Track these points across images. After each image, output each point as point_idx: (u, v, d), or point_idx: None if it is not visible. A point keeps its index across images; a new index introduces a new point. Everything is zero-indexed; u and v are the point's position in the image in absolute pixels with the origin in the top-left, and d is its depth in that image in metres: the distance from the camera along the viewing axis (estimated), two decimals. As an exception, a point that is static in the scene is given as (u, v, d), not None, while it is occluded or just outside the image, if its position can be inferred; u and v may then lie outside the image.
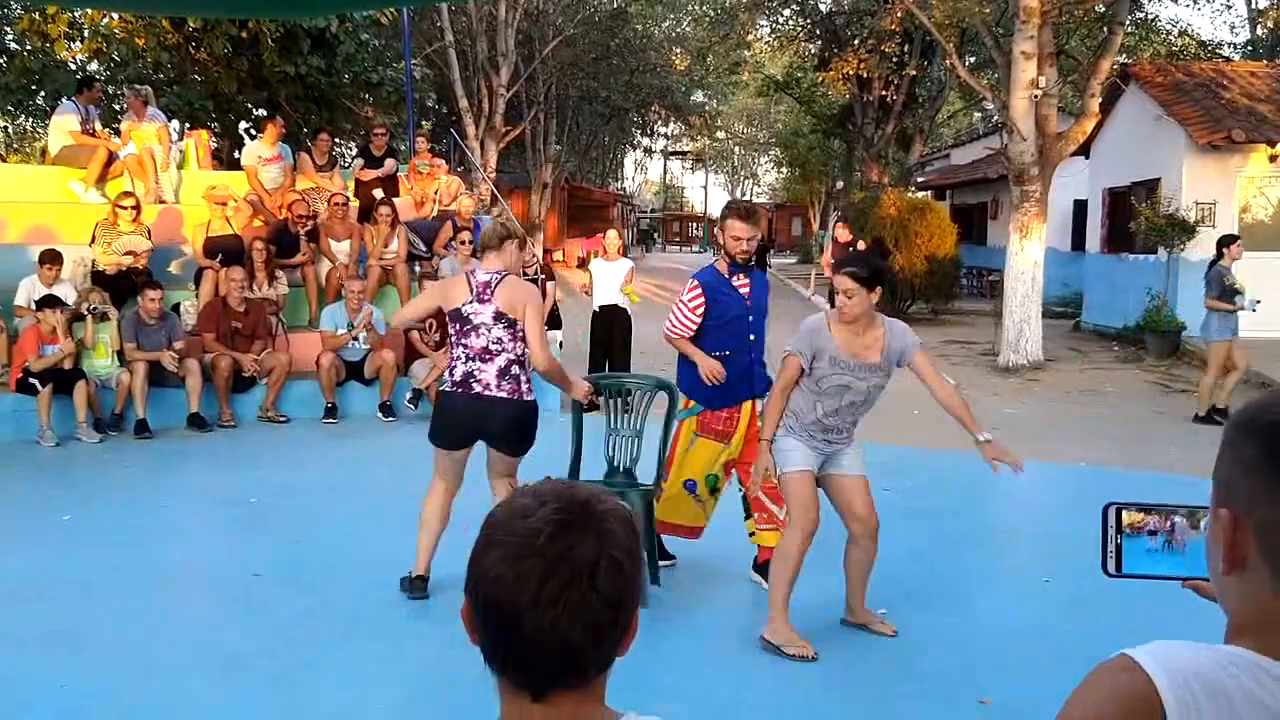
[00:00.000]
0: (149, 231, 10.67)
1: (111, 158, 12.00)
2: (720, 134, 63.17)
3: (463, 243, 11.47)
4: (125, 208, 10.33)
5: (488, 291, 5.21)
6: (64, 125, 12.19)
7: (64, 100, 13.12)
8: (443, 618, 5.04)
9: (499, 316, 5.19)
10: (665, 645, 4.79)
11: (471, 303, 5.20)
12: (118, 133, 12.72)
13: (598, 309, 10.98)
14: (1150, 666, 1.10)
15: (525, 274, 12.10)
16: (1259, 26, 28.79)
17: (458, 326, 5.23)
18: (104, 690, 4.32)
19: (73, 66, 20.32)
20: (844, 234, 15.67)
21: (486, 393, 5.14)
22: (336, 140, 22.75)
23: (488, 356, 5.18)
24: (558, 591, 1.19)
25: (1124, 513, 1.41)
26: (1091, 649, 4.40)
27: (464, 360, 5.21)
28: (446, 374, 5.32)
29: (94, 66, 20.81)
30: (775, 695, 4.36)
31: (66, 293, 9.68)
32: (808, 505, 4.80)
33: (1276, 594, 1.13)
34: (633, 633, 1.29)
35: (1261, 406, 1.18)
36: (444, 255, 11.79)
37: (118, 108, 19.21)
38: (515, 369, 5.23)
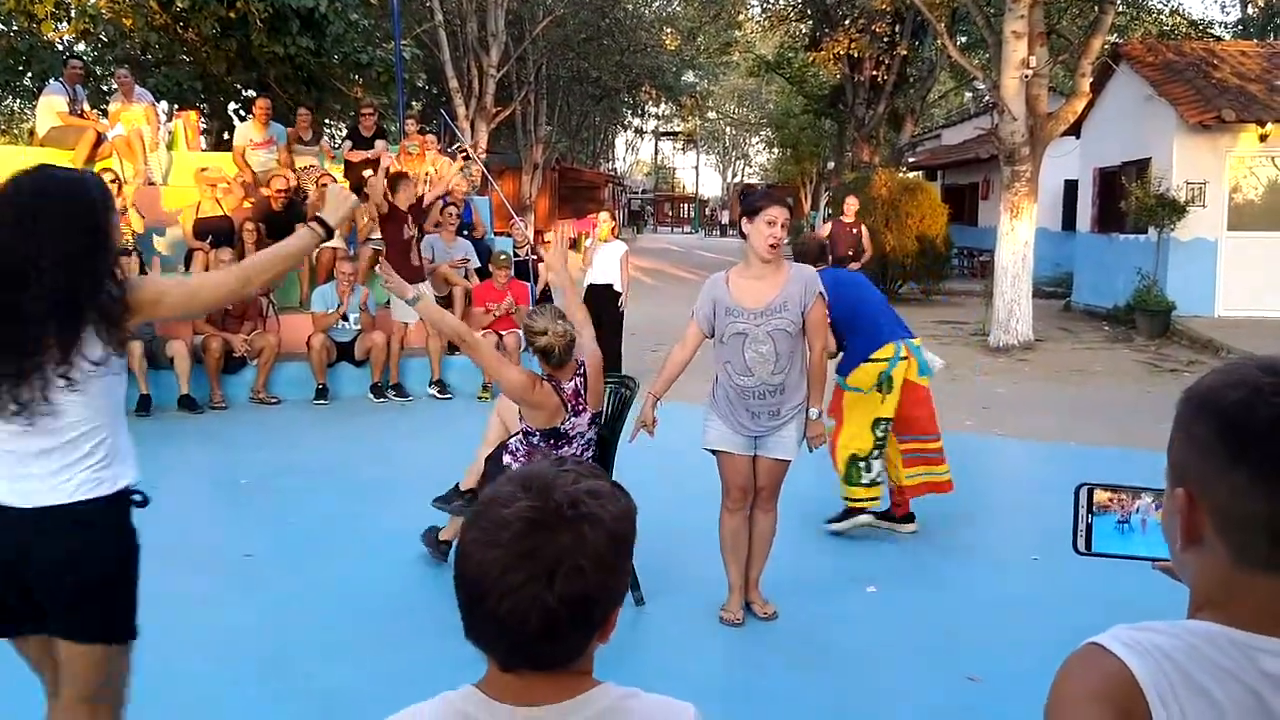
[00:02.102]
0: (136, 208, 10.65)
1: (100, 139, 11.96)
2: (711, 114, 63.03)
3: (451, 218, 11.48)
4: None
5: (581, 401, 4.74)
6: (52, 106, 12.14)
7: (51, 81, 13.06)
8: (434, 597, 5.06)
9: (593, 419, 4.87)
10: (649, 623, 4.82)
11: (569, 418, 4.70)
12: (106, 114, 12.67)
13: (586, 288, 10.96)
14: (1121, 651, 1.12)
15: (516, 255, 12.12)
16: (1249, 5, 28.80)
17: (551, 442, 4.69)
18: (96, 670, 4.33)
19: (60, 47, 20.19)
20: (851, 212, 14.50)
21: None
22: (327, 121, 22.66)
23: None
24: (515, 585, 1.24)
25: (1095, 492, 1.43)
26: (1079, 625, 4.43)
27: None
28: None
29: (81, 47, 20.69)
30: (761, 672, 4.39)
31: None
32: (727, 485, 4.82)
33: (1234, 570, 1.15)
34: (609, 628, 1.32)
35: (1212, 388, 1.19)
36: (432, 233, 11.75)
37: (105, 89, 19.13)
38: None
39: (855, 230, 14.22)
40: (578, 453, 4.77)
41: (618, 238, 11.41)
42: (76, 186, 2.66)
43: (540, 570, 1.23)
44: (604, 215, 11.63)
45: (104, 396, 2.66)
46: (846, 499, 6.13)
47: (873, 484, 6.04)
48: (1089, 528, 1.43)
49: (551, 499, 1.28)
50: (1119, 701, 1.09)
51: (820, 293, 4.68)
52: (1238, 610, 1.14)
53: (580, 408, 4.72)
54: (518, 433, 4.90)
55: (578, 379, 4.71)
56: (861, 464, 5.98)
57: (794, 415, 4.70)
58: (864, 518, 6.12)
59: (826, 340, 4.78)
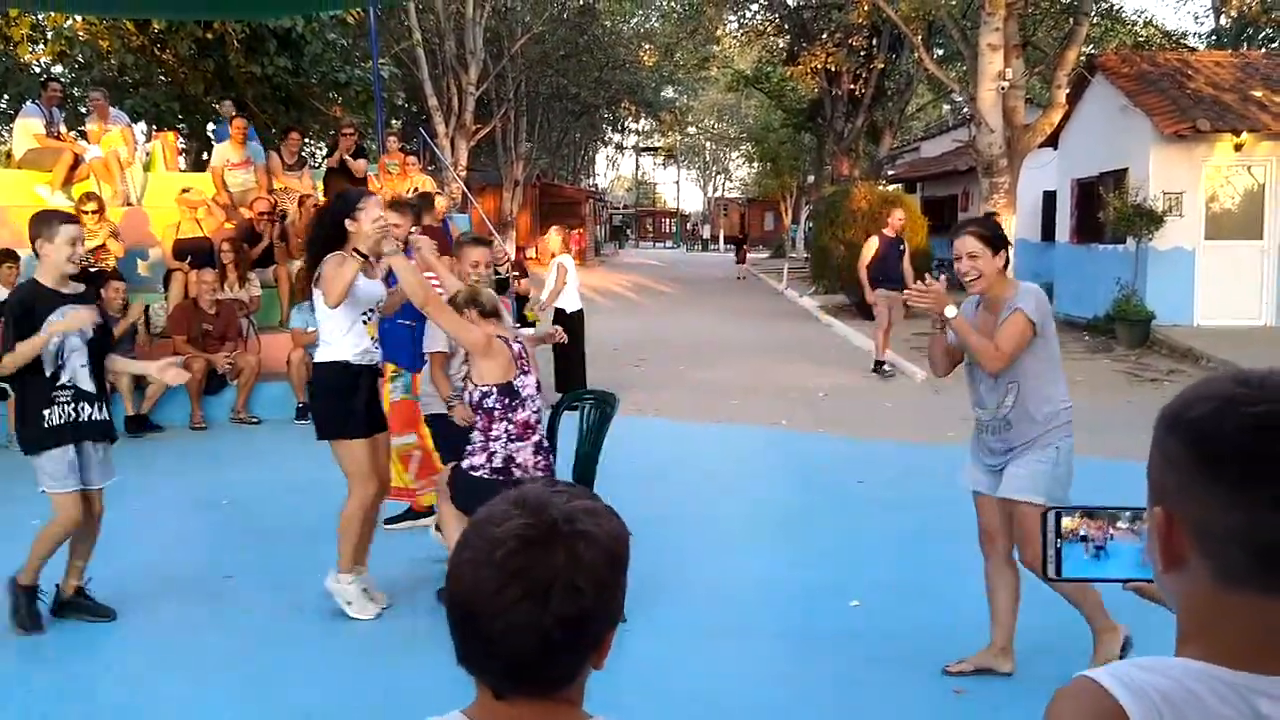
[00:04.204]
0: (117, 231, 10.60)
1: (77, 161, 11.91)
2: (691, 129, 63.32)
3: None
4: (87, 211, 10.25)
5: (526, 363, 4.84)
6: (28, 129, 12.08)
7: (28, 103, 13.00)
8: (418, 617, 5.03)
9: (539, 385, 4.92)
10: (630, 639, 4.79)
11: (519, 376, 4.77)
12: (83, 135, 12.63)
13: (572, 312, 10.84)
14: (1114, 688, 1.09)
15: (498, 272, 12.07)
16: (1223, 16, 29.05)
17: (505, 402, 4.70)
18: (74, 692, 4.30)
19: (37, 69, 20.14)
20: (896, 225, 12.90)
21: (525, 476, 4.74)
22: (306, 140, 22.60)
23: (529, 433, 4.77)
24: (509, 605, 1.21)
25: (1064, 518, 1.42)
26: (1063, 639, 4.43)
27: (504, 441, 4.71)
28: (480, 458, 4.75)
29: (58, 69, 20.63)
30: (743, 688, 4.37)
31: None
32: (979, 526, 4.45)
33: (1218, 590, 1.12)
34: (604, 650, 1.29)
35: (1185, 402, 1.16)
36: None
37: (83, 111, 19.06)
38: (545, 441, 4.95)
39: (901, 246, 12.88)
40: (531, 418, 4.80)
41: (569, 252, 11.24)
42: (335, 203, 5.18)
43: (535, 589, 1.20)
44: (552, 230, 11.58)
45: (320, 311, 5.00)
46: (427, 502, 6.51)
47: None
48: (1059, 553, 1.42)
49: (546, 516, 1.24)
50: None
51: (1019, 307, 4.11)
52: (1225, 639, 1.11)
53: (526, 368, 4.84)
54: (474, 415, 4.91)
55: (517, 344, 4.90)
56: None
57: (1026, 450, 4.18)
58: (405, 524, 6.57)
59: (996, 346, 4.11)
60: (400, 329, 5.97)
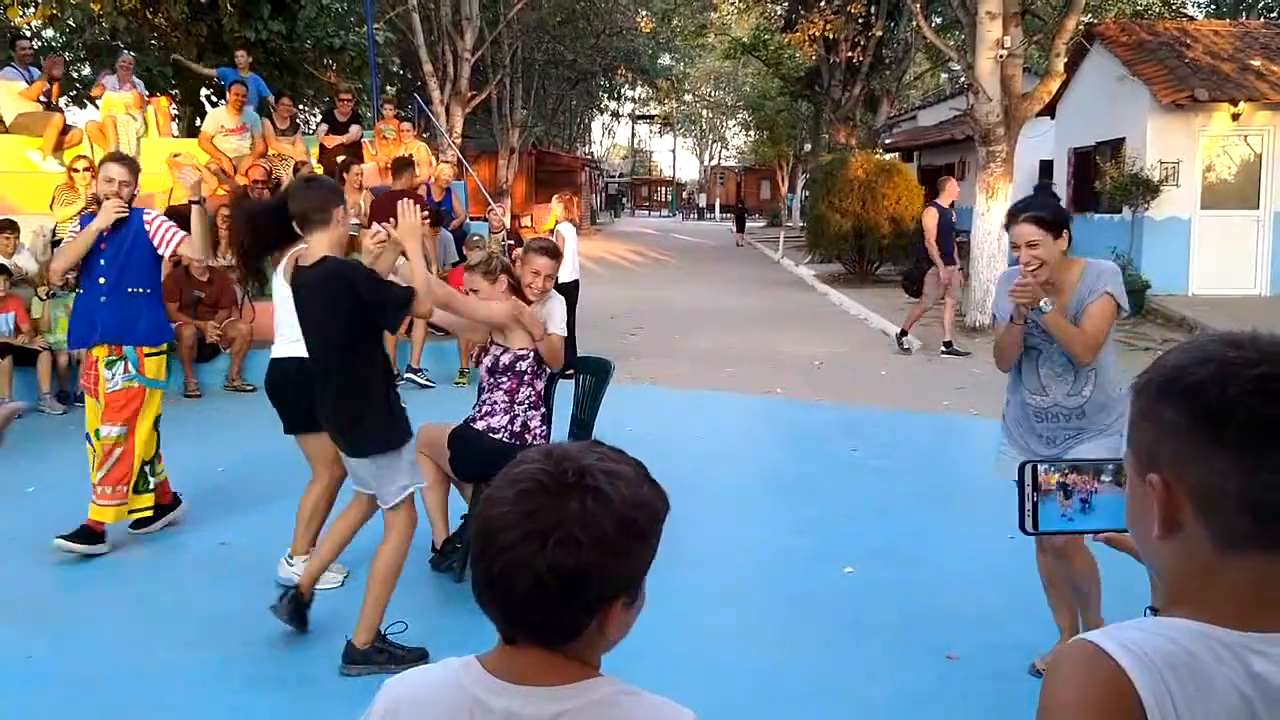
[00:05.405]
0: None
1: (67, 125, 11.86)
2: (688, 97, 63.00)
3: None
4: (79, 171, 10.20)
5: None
6: (11, 91, 12.00)
7: (7, 67, 12.88)
8: (411, 582, 5.04)
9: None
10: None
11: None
12: (74, 99, 12.54)
13: (567, 282, 10.62)
14: (1116, 652, 1.09)
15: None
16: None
17: (535, 368, 4.95)
18: (70, 659, 4.30)
19: (28, 33, 19.97)
20: (953, 195, 12.14)
21: (534, 442, 4.87)
22: (301, 106, 22.46)
23: (540, 403, 5.01)
24: (511, 543, 1.24)
25: (1040, 470, 1.42)
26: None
27: (526, 407, 4.95)
28: (503, 419, 4.94)
29: (49, 33, 20.47)
30: (738, 653, 4.39)
31: (26, 260, 9.58)
32: None
33: (1217, 553, 1.12)
34: (609, 617, 1.30)
35: (1178, 368, 1.15)
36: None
37: (75, 75, 18.92)
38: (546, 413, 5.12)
39: (953, 218, 12.24)
40: (543, 389, 5.03)
41: (570, 221, 11.06)
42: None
43: (535, 532, 1.23)
44: (555, 199, 11.48)
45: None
46: (131, 511, 5.68)
47: (155, 489, 5.82)
48: (1035, 506, 1.42)
49: (563, 466, 1.28)
50: (1115, 701, 1.07)
51: (1108, 291, 3.91)
52: (1221, 600, 1.11)
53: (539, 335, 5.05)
54: (499, 383, 4.97)
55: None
56: (148, 468, 5.72)
57: (1097, 435, 3.98)
58: (158, 524, 5.91)
59: (1092, 335, 3.87)
60: (133, 299, 5.55)
